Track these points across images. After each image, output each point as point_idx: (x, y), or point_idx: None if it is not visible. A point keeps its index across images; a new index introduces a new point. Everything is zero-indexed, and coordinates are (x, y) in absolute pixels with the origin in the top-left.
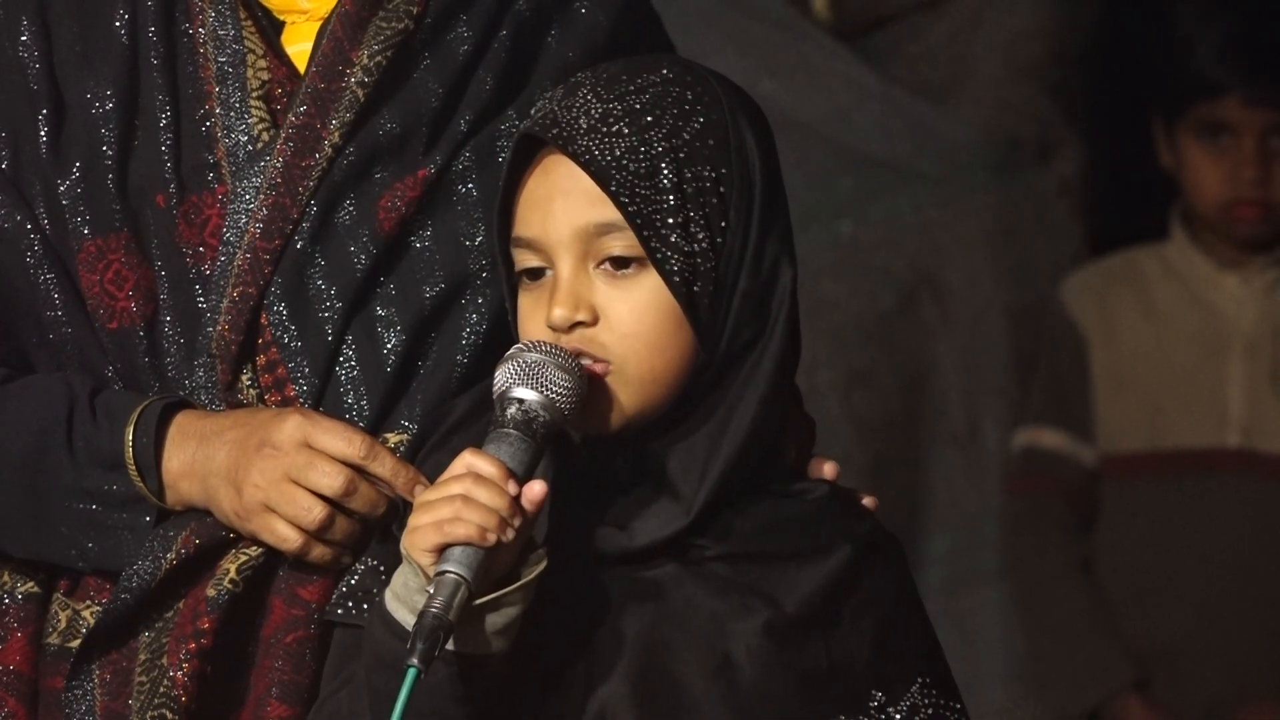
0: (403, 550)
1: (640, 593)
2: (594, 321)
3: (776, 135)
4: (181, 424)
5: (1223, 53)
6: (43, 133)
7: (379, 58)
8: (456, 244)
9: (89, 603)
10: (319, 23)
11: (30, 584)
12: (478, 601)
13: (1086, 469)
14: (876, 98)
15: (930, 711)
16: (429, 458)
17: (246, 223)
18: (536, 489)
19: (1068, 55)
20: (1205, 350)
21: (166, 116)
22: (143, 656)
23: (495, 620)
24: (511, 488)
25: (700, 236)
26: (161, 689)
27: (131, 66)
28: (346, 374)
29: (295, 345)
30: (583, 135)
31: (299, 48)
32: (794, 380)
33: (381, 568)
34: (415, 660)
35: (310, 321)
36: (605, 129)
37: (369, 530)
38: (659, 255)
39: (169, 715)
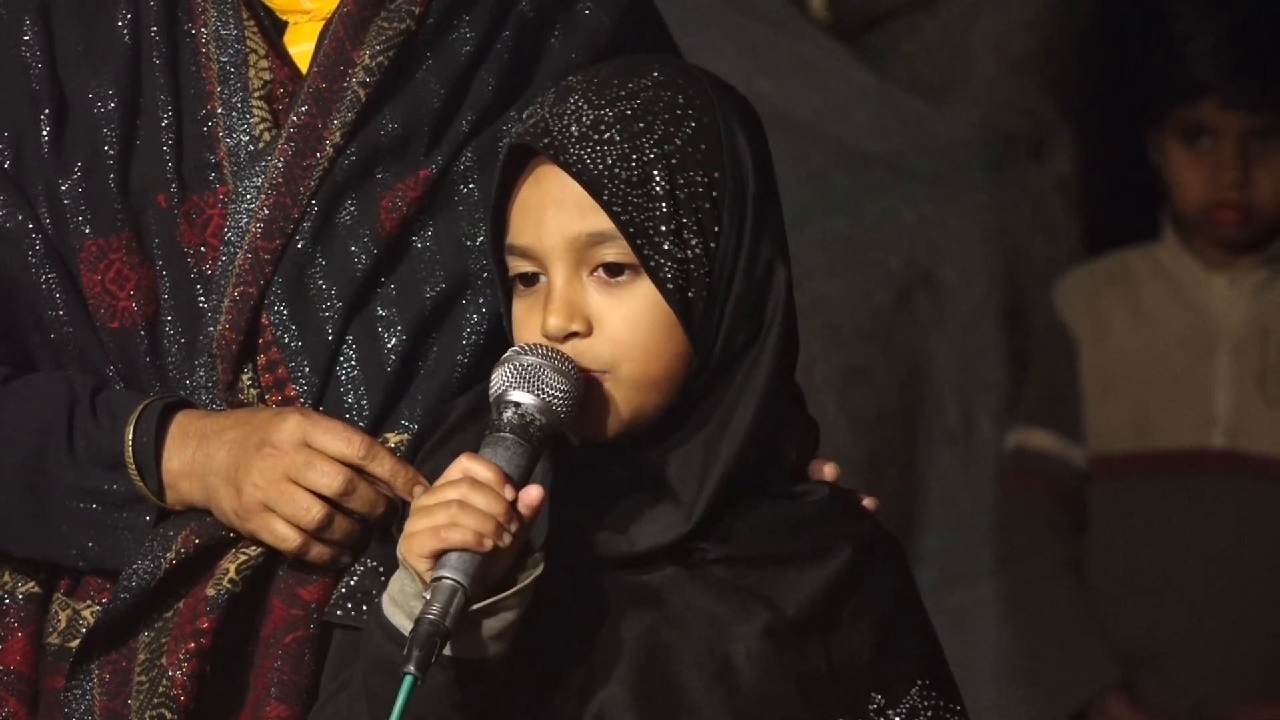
0: (399, 555)
1: (639, 596)
2: (588, 331)
3: (773, 133)
4: (182, 423)
5: (1202, 56)
6: (44, 132)
7: (381, 58)
8: (457, 244)
9: (89, 602)
10: (321, 23)
11: (31, 584)
12: (475, 607)
13: (1077, 469)
14: (873, 96)
15: (930, 714)
16: (429, 458)
17: (247, 223)
18: (533, 494)
19: (1063, 51)
20: (1194, 351)
21: (168, 116)
22: (142, 656)
23: (492, 625)
24: (508, 492)
25: (693, 242)
26: (161, 689)
27: (133, 66)
28: (347, 374)
29: (296, 345)
30: (574, 144)
31: (301, 48)
32: (793, 380)
33: (381, 568)
34: (412, 667)
35: (311, 321)
36: (597, 137)
37: (368, 530)
38: (652, 263)
39: (168, 715)
